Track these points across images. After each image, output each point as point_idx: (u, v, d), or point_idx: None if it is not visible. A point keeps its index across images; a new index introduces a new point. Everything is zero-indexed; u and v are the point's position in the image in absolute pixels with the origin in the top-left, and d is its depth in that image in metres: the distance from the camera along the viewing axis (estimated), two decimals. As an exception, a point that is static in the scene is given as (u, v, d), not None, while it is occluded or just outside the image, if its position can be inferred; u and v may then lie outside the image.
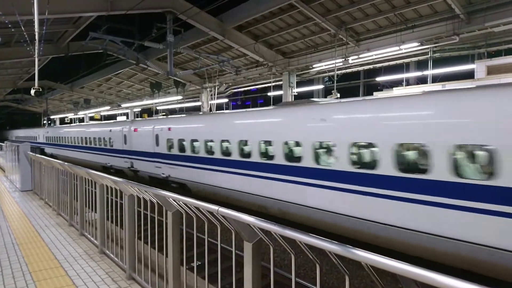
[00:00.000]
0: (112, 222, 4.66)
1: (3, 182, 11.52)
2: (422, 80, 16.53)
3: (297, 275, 6.71)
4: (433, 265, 5.72)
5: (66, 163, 6.30)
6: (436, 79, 14.77)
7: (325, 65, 16.34)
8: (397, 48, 12.89)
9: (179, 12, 13.78)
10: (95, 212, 4.89)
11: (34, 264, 4.39)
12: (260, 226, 2.16)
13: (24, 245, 5.17)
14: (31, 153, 9.50)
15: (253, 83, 22.43)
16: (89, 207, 5.26)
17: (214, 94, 22.36)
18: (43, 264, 4.41)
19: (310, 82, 21.87)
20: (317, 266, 2.01)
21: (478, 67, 11.50)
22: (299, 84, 19.31)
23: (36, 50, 8.42)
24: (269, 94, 21.22)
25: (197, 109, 26.38)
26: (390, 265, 1.48)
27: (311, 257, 2.02)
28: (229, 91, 24.26)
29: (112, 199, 4.42)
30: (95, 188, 4.84)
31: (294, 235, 1.92)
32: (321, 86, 21.73)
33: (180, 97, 25.25)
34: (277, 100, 20.43)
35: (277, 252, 7.80)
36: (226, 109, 31.43)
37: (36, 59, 8.92)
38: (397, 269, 1.45)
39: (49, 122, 42.08)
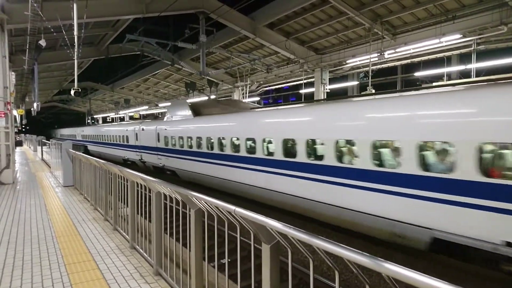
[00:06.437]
0: (141, 215, 4.80)
1: (48, 178, 12.31)
2: (465, 75, 15.49)
3: (326, 276, 6.53)
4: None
5: (101, 161, 6.57)
6: (480, 73, 13.78)
7: (359, 61, 15.81)
8: (437, 41, 12.17)
9: (210, 11, 13.95)
10: (127, 206, 5.06)
11: (69, 257, 4.61)
12: (276, 228, 2.09)
13: (62, 238, 5.46)
14: (72, 150, 10.07)
15: (284, 81, 22.27)
16: (122, 202, 5.45)
17: (246, 93, 22.47)
18: (77, 257, 4.62)
19: (344, 78, 21.29)
20: (336, 272, 1.90)
21: (530, 58, 10.58)
22: (332, 81, 18.87)
23: (75, 53, 8.92)
24: (300, 91, 20.95)
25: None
26: (420, 281, 1.30)
27: (329, 263, 1.92)
28: (260, 89, 24.27)
29: (141, 192, 4.58)
30: (127, 182, 5.02)
31: (310, 239, 1.82)
32: (355, 82, 21.09)
33: (213, 97, 25.65)
34: (309, 97, 20.10)
35: (304, 254, 7.63)
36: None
37: (76, 62, 9.45)
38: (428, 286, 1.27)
39: (93, 121, 44.21)
